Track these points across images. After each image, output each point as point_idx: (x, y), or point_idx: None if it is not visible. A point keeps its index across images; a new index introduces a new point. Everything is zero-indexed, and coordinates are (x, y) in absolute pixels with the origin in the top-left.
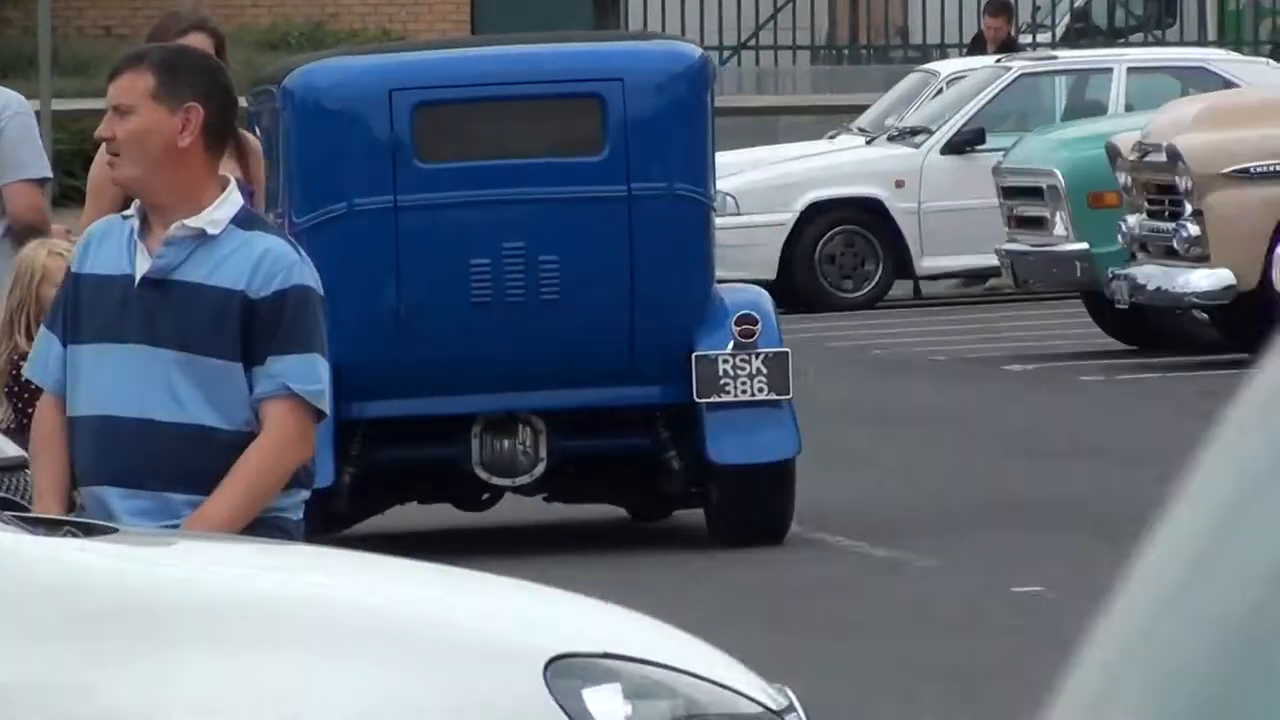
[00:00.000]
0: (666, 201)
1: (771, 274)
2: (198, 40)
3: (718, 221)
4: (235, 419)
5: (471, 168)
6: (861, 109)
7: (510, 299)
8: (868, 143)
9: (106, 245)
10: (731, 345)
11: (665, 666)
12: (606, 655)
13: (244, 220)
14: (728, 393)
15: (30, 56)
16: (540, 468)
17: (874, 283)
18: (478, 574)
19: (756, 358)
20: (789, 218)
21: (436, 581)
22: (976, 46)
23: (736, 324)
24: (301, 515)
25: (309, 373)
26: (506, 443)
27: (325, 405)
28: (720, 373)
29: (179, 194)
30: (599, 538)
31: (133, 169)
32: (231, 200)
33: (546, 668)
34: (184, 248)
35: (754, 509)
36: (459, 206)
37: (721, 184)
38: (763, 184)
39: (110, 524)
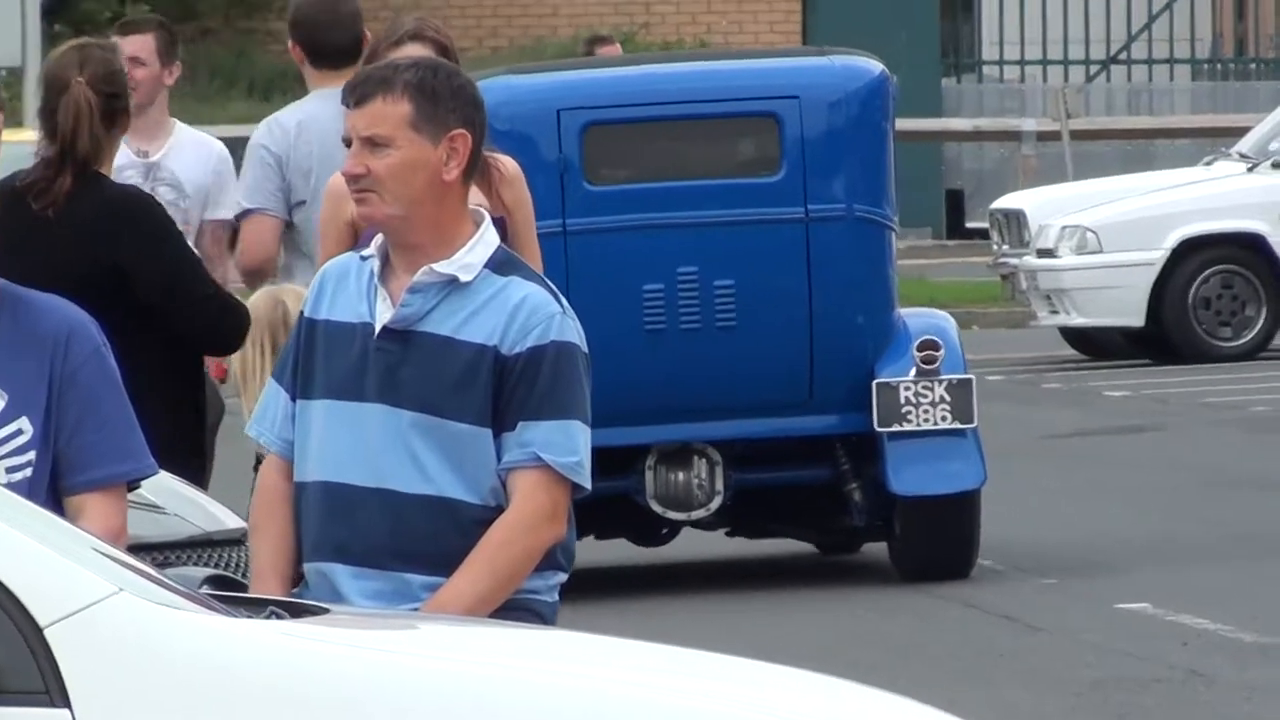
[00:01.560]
0: (846, 223)
1: (1139, 320)
2: (415, 52)
3: (1079, 261)
4: (483, 491)
5: (643, 190)
6: (1248, 131)
7: (684, 326)
8: (1249, 170)
9: (344, 288)
10: (914, 372)
11: None
12: None
13: (499, 264)
14: (910, 421)
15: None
16: (717, 500)
17: (1256, 330)
18: (754, 663)
19: (939, 385)
20: (1159, 256)
21: (712, 672)
22: None
23: (918, 350)
24: (557, 598)
25: (565, 442)
26: (682, 475)
27: (585, 479)
28: (902, 401)
29: (436, 233)
30: (789, 574)
31: (392, 207)
32: (486, 240)
33: None
34: (431, 295)
35: (938, 542)
36: (630, 230)
37: (1083, 218)
38: (1129, 218)
39: (321, 604)
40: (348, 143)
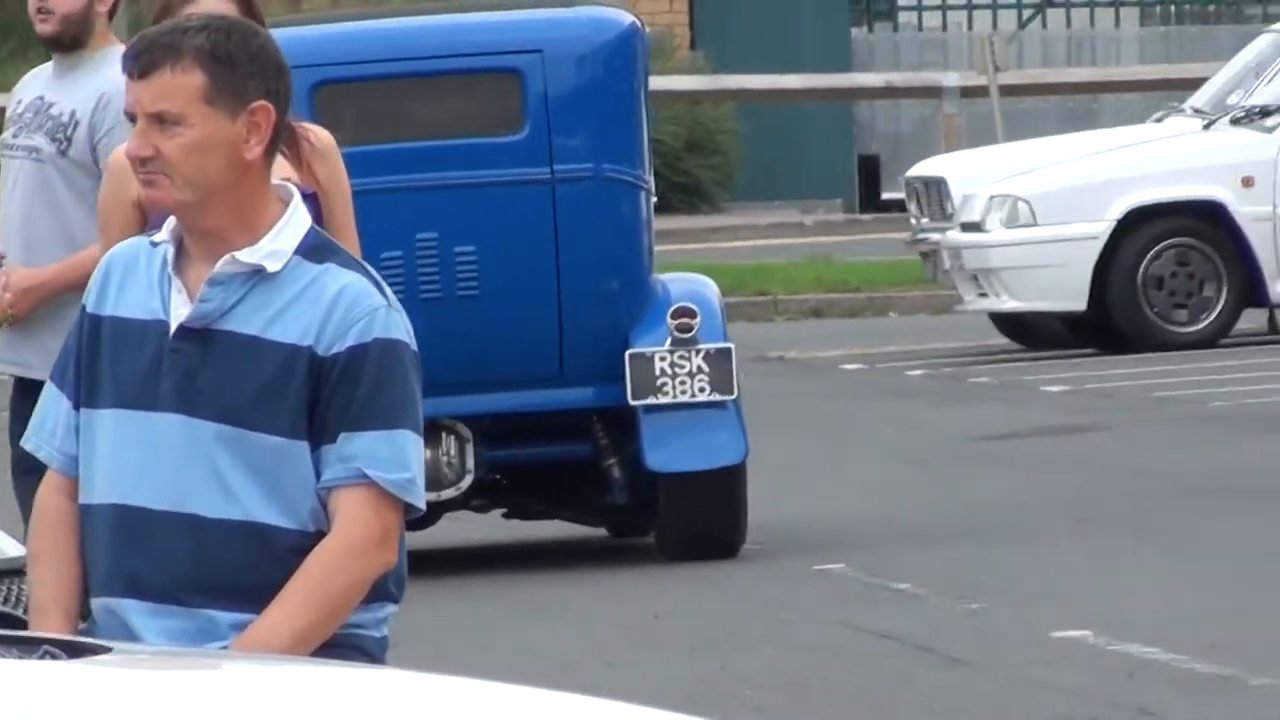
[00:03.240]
0: (594, 184)
1: (1080, 303)
2: (212, 6)
3: (1010, 236)
4: (299, 514)
5: (377, 151)
6: (1205, 83)
7: (425, 295)
8: (1205, 127)
9: (132, 280)
10: (669, 342)
11: None
12: None
13: (313, 249)
14: (666, 394)
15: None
16: (468, 479)
17: (1215, 313)
18: (593, 700)
19: (697, 354)
20: (1102, 229)
21: (554, 712)
22: None
23: (673, 317)
24: (386, 633)
25: (394, 455)
26: (429, 452)
27: (418, 497)
28: (657, 372)
29: (237, 216)
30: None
31: (184, 192)
32: (296, 221)
33: None
34: (235, 288)
35: (701, 521)
36: (365, 194)
37: (1014, 186)
38: (1068, 186)
39: (103, 643)
40: (132, 118)
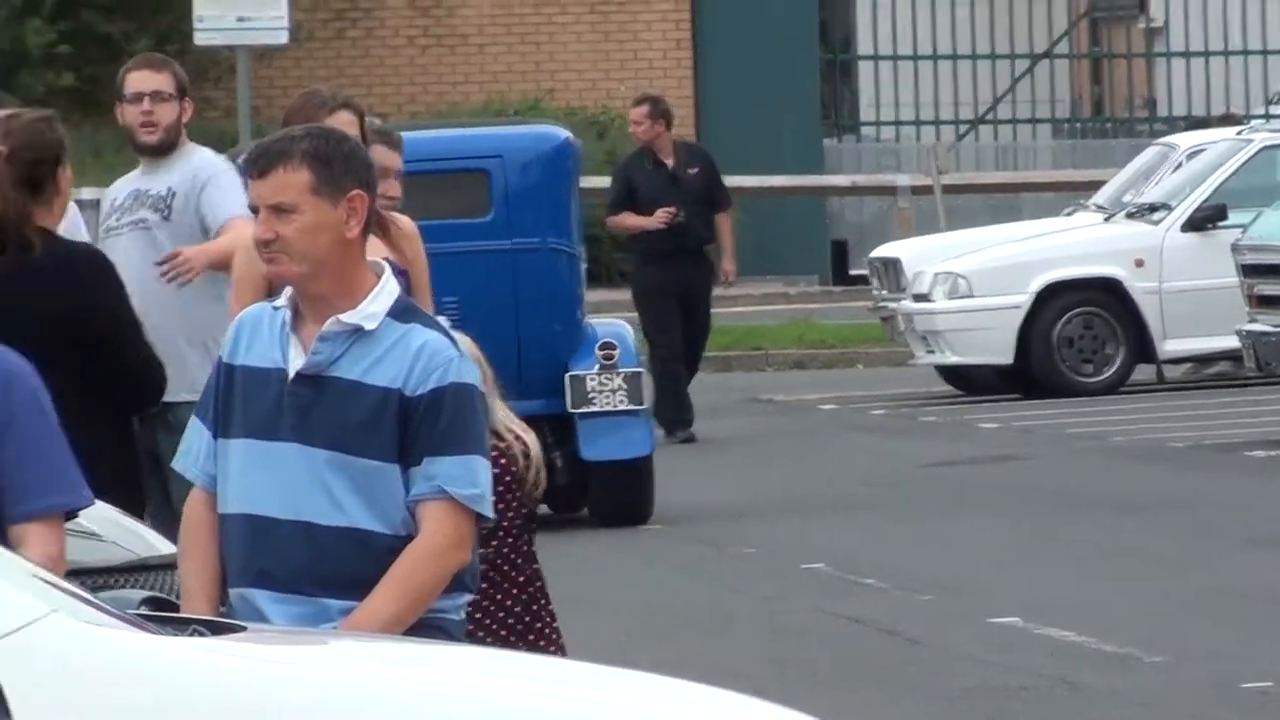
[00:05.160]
0: (541, 253)
1: (1008, 358)
2: (345, 119)
3: (952, 305)
4: (393, 521)
5: None
6: (1105, 184)
7: None
8: (1106, 220)
9: (258, 336)
10: (597, 367)
11: None
12: None
13: (400, 312)
14: (594, 404)
15: (233, 138)
16: None
17: (1115, 367)
18: (629, 672)
19: (617, 376)
20: (1025, 299)
21: (587, 680)
22: None
23: (600, 349)
24: (463, 617)
25: (467, 475)
26: None
27: (487, 508)
28: (589, 389)
29: (340, 285)
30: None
31: (299, 266)
32: (388, 290)
33: None
34: (339, 343)
35: (621, 496)
36: None
37: (954, 265)
38: (997, 264)
39: (238, 623)
40: (254, 210)
